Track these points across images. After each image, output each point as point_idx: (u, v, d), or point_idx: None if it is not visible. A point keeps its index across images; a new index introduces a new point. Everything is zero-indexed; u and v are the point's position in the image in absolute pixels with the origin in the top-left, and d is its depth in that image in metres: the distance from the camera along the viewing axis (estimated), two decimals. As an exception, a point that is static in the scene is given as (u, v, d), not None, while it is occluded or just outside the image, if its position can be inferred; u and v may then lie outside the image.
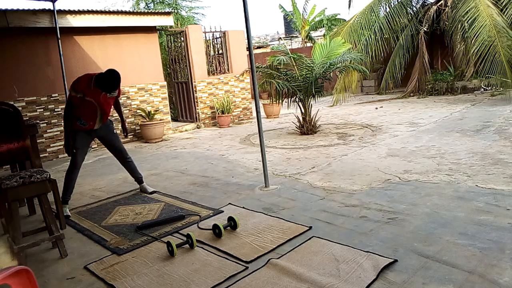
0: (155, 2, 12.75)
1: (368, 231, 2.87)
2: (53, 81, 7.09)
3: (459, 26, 9.50)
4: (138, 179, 4.55)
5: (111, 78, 3.86)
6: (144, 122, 7.96)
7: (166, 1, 12.74)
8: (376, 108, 9.39)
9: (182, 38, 9.09)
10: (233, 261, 2.65)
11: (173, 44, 9.46)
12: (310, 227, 3.02)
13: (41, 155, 6.16)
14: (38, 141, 5.40)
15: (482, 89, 9.90)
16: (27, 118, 6.66)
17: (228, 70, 9.77)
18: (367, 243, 2.68)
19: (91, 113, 3.98)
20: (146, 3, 12.84)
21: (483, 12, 8.69)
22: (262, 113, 8.23)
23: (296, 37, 23.54)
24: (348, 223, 3.05)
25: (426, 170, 4.18)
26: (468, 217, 2.92)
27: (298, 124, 7.11)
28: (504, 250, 2.41)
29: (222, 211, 3.60)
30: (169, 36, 9.49)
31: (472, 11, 8.93)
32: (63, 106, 7.09)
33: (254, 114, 9.69)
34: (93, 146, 7.56)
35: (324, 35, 19.60)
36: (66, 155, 7.01)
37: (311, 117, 7.05)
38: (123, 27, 7.76)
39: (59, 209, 3.34)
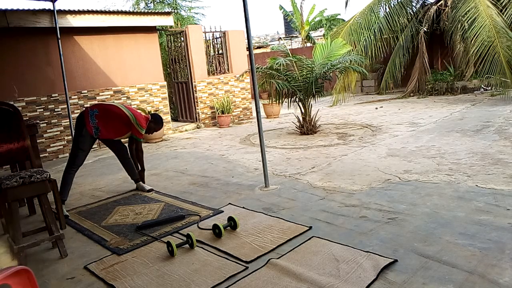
0: (155, 2, 12.74)
1: (368, 231, 2.87)
2: (53, 81, 7.09)
3: (459, 26, 9.50)
4: (135, 178, 4.58)
5: (161, 121, 4.64)
6: (144, 122, 7.96)
7: (166, 1, 12.74)
8: (376, 108, 9.39)
9: (182, 38, 9.09)
10: (233, 261, 2.65)
11: (173, 44, 9.46)
12: (310, 227, 3.02)
13: (41, 155, 6.17)
14: (38, 141, 5.41)
15: (482, 89, 9.90)
16: (27, 118, 6.65)
17: (228, 70, 9.77)
18: (367, 243, 2.68)
19: (109, 129, 4.23)
20: (146, 3, 12.84)
21: (483, 12, 8.70)
22: (262, 113, 8.23)
23: (296, 37, 23.55)
24: (348, 223, 3.05)
25: (426, 170, 4.18)
26: (468, 217, 2.92)
27: (298, 124, 7.11)
28: (504, 250, 2.41)
29: (222, 211, 3.60)
30: (169, 36, 9.49)
31: (472, 11, 8.93)
32: (63, 106, 7.12)
33: (254, 114, 9.69)
34: (93, 146, 7.55)
35: (323, 35, 19.61)
36: (66, 155, 7.03)
37: (311, 117, 7.05)
38: (123, 27, 7.77)
39: (59, 209, 3.35)
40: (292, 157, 5.40)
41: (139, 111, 4.54)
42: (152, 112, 8.03)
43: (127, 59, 8.05)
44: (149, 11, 11.13)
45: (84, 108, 4.90)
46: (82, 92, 7.50)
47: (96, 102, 7.54)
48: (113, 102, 7.78)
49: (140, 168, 4.61)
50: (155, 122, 4.52)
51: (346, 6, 13.44)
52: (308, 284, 2.25)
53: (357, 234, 2.84)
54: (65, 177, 4.14)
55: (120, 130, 4.27)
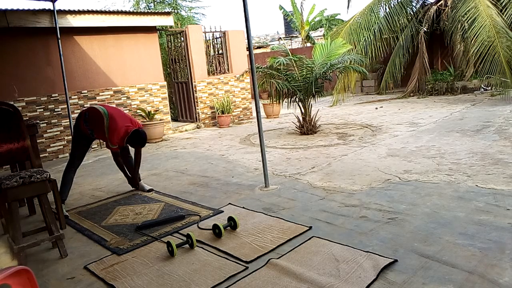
0: (155, 2, 12.74)
1: (368, 231, 2.87)
2: (53, 81, 7.09)
3: (459, 26, 9.51)
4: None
5: (140, 141, 4.17)
6: (144, 122, 7.96)
7: (166, 1, 12.74)
8: (376, 108, 9.39)
9: (182, 38, 9.09)
10: (233, 261, 2.65)
11: (173, 44, 9.46)
12: (310, 227, 3.02)
13: (41, 155, 6.17)
14: (38, 141, 5.40)
15: (482, 89, 9.91)
16: (27, 118, 6.65)
17: (228, 70, 9.77)
18: (367, 243, 2.68)
19: (99, 133, 4.17)
20: (146, 3, 12.84)
21: (483, 12, 8.70)
22: (262, 113, 8.23)
23: (296, 37, 23.56)
24: (348, 223, 3.05)
25: (426, 170, 4.18)
26: (468, 217, 2.92)
27: (298, 124, 7.11)
28: (504, 250, 2.41)
29: (222, 211, 3.60)
30: (169, 36, 9.49)
31: (472, 11, 8.93)
32: (63, 106, 7.12)
33: (254, 114, 9.70)
34: (93, 146, 7.56)
35: (323, 35, 19.62)
36: (66, 155, 7.03)
37: (311, 117, 7.05)
38: (123, 27, 7.77)
39: (59, 209, 3.35)
40: (292, 157, 5.40)
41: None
42: (154, 117, 8.00)
43: (127, 59, 8.05)
44: (149, 11, 11.13)
45: (82, 109, 4.90)
46: (82, 92, 7.50)
47: (97, 102, 7.53)
48: (114, 103, 7.79)
49: (130, 175, 4.50)
50: (132, 140, 4.10)
51: (348, 7, 13.49)
52: (308, 284, 2.25)
53: (357, 234, 2.84)
54: (65, 177, 4.15)
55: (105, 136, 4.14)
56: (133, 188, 4.63)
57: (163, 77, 8.73)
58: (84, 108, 4.35)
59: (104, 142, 4.49)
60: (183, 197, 4.15)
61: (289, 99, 7.01)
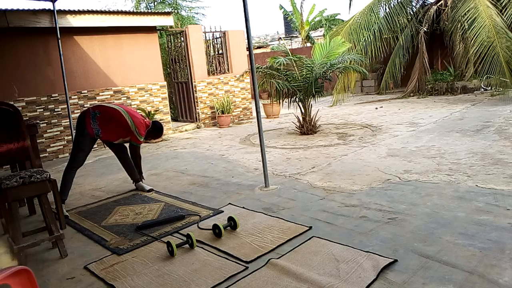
0: (155, 2, 12.75)
1: (368, 231, 2.87)
2: (53, 81, 7.09)
3: (459, 26, 9.52)
4: (135, 179, 4.58)
5: (161, 129, 4.53)
6: (144, 122, 7.96)
7: (166, 1, 12.74)
8: (376, 108, 9.39)
9: (182, 38, 9.10)
10: (233, 261, 2.65)
11: (173, 44, 9.46)
12: (310, 227, 3.02)
13: (41, 155, 6.17)
14: (38, 141, 5.41)
15: (482, 89, 9.91)
16: (27, 118, 6.65)
17: (228, 70, 9.77)
18: (367, 243, 2.68)
19: (110, 132, 4.25)
20: (147, 3, 12.84)
21: (483, 12, 8.70)
22: (262, 113, 8.23)
23: (296, 37, 23.57)
24: (348, 223, 3.05)
25: (426, 170, 4.18)
26: (468, 217, 2.92)
27: (298, 124, 7.11)
28: (504, 250, 2.41)
29: (222, 211, 3.60)
30: (169, 36, 9.49)
31: (472, 12, 8.94)
32: (63, 106, 7.12)
33: (254, 114, 9.69)
34: (93, 146, 7.55)
35: (323, 35, 19.61)
36: (66, 155, 7.03)
37: (311, 117, 7.05)
38: (123, 27, 7.77)
39: (59, 209, 3.35)
40: (292, 157, 5.40)
41: (139, 112, 4.51)
42: (154, 118, 8.02)
43: (127, 59, 8.05)
44: (149, 11, 11.14)
45: (85, 108, 4.89)
46: (82, 92, 7.50)
47: (97, 102, 7.54)
48: (113, 102, 7.79)
49: (138, 173, 4.59)
50: (153, 130, 4.46)
51: (350, 7, 13.51)
52: (308, 284, 2.25)
53: (357, 234, 2.84)
54: (65, 177, 4.15)
55: (120, 134, 4.26)
56: (134, 188, 4.64)
57: (163, 77, 8.73)
58: (88, 107, 4.33)
59: (105, 142, 4.51)
60: (183, 197, 4.15)
61: (289, 99, 7.01)
